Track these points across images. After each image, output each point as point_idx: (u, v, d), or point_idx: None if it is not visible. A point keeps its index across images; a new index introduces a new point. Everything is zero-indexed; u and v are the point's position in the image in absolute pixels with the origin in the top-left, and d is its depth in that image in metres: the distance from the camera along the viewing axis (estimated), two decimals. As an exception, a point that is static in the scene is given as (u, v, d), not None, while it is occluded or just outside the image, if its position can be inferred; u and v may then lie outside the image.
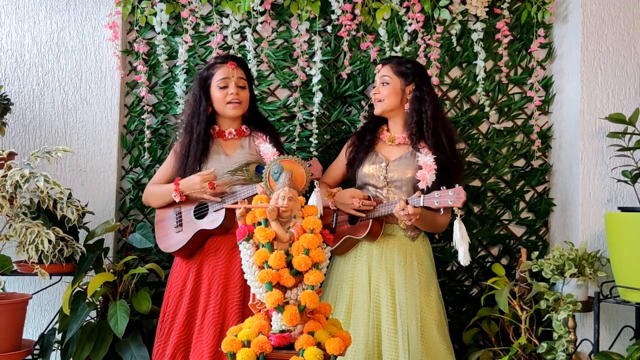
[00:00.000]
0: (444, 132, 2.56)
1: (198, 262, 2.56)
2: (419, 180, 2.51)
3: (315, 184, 2.44)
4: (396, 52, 3.01)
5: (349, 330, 2.41)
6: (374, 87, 2.67)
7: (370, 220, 2.49)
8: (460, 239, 2.21)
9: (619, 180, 2.79)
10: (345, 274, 2.57)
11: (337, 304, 2.52)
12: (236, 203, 2.00)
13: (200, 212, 2.57)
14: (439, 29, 3.03)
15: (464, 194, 2.22)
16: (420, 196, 2.33)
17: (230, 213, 2.49)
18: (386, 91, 2.60)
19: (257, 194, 2.34)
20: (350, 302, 2.51)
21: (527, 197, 3.11)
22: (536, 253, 2.73)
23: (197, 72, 2.78)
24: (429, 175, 2.47)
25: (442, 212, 2.28)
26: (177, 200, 2.55)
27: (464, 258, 2.21)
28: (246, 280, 1.90)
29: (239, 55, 2.99)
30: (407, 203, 2.34)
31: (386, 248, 2.54)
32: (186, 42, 3.04)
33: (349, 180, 2.76)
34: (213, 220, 2.51)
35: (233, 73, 2.60)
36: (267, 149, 2.60)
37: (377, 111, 2.65)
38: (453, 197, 2.22)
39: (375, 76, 2.68)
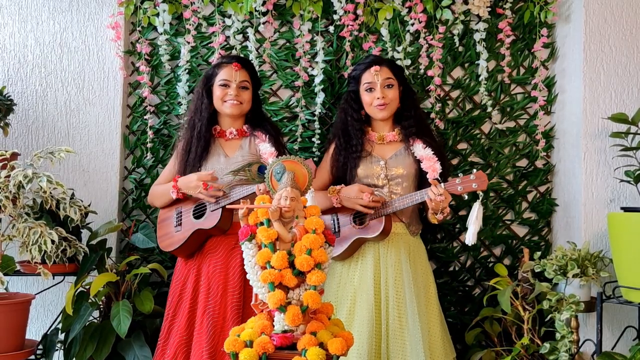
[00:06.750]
0: (428, 126, 2.72)
1: (197, 263, 2.57)
2: (419, 174, 2.57)
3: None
4: (398, 52, 3.01)
5: (354, 331, 2.40)
6: (369, 90, 2.59)
7: (384, 217, 2.48)
8: (475, 220, 2.30)
9: (622, 181, 2.78)
10: (348, 276, 2.55)
11: (339, 307, 2.50)
12: (238, 203, 2.00)
13: (199, 211, 2.58)
14: (441, 29, 3.03)
15: (486, 176, 2.33)
16: (437, 185, 2.35)
17: (226, 214, 2.49)
18: (391, 94, 2.60)
19: (253, 192, 2.35)
20: (353, 303, 2.49)
21: (530, 197, 3.11)
22: (539, 253, 2.74)
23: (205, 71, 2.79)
24: (437, 165, 2.49)
25: (466, 197, 2.40)
26: (174, 196, 2.57)
27: (471, 238, 2.30)
28: (246, 281, 1.91)
29: (242, 55, 3.00)
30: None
31: (392, 246, 2.53)
32: (188, 43, 3.04)
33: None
34: (209, 220, 2.52)
35: (236, 75, 2.61)
36: (265, 149, 2.59)
37: (384, 116, 2.60)
38: (476, 181, 2.33)
39: (364, 76, 2.60)
